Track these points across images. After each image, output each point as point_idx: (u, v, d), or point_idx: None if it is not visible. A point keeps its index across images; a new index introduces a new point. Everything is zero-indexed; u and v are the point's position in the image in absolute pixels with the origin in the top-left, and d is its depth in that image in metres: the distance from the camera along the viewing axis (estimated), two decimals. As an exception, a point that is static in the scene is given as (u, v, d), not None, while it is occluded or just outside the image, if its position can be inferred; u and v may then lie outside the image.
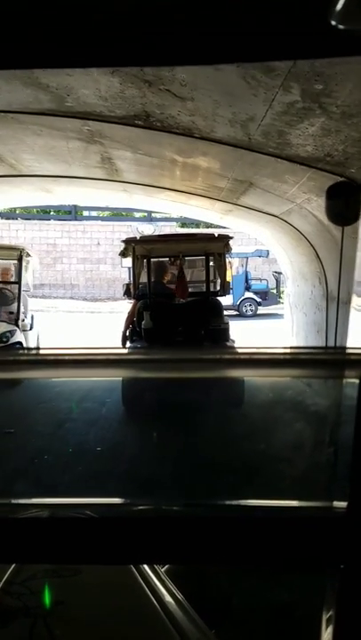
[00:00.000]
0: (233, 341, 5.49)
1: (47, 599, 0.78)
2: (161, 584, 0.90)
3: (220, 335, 5.30)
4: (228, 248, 5.54)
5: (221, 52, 0.64)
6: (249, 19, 0.59)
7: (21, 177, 5.62)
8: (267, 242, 7.94)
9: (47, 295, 16.37)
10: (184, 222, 18.00)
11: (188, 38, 0.61)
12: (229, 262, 14.31)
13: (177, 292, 5.62)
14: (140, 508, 0.73)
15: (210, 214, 7.57)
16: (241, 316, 13.71)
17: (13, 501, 1.00)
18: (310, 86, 2.65)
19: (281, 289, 15.07)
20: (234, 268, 14.23)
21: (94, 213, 18.27)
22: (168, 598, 0.86)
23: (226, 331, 5.39)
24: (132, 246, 5.46)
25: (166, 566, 1.07)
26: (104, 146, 4.31)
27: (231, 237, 5.62)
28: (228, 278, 13.90)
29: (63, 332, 11.30)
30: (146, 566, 0.93)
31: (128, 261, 5.87)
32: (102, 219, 17.84)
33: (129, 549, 0.54)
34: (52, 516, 0.71)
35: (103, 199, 7.84)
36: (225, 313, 5.80)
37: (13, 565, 0.83)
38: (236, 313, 13.68)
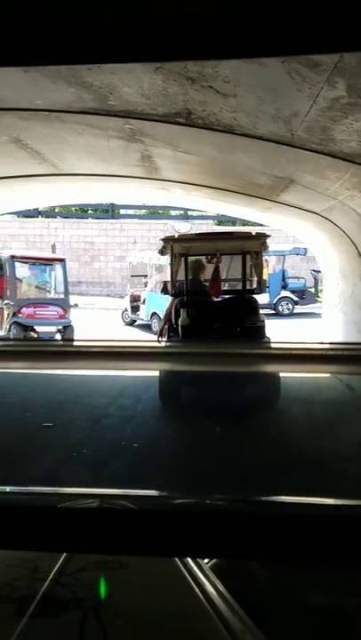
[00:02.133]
0: (268, 339, 5.51)
1: (97, 591, 0.79)
2: (206, 579, 0.91)
3: (256, 333, 5.32)
4: (265, 246, 5.58)
5: (266, 45, 0.62)
6: (294, 10, 0.58)
7: (62, 176, 5.72)
8: (306, 239, 7.82)
9: (84, 292, 16.63)
10: (220, 220, 17.95)
11: (232, 30, 0.60)
12: (266, 260, 14.18)
13: (211, 290, 5.66)
14: (184, 501, 0.72)
15: (248, 212, 7.51)
16: (277, 314, 13.57)
17: (60, 491, 1.02)
18: (356, 81, 2.59)
19: (319, 287, 14.83)
20: (270, 266, 14.08)
21: (131, 212, 18.44)
22: (214, 593, 0.86)
23: (262, 329, 5.41)
24: (170, 244, 5.56)
25: (211, 562, 1.07)
26: (144, 144, 4.34)
27: (269, 235, 5.63)
28: (265, 276, 13.84)
29: (99, 329, 11.48)
30: (190, 560, 0.94)
31: (165, 258, 6.13)
32: (139, 217, 17.98)
33: (174, 542, 0.55)
34: (100, 506, 0.72)
35: (141, 197, 7.89)
36: (261, 311, 5.81)
37: (63, 556, 0.85)
38: (272, 312, 13.53)
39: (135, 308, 12.47)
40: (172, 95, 3.16)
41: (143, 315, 12.31)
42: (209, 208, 8.67)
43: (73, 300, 15.41)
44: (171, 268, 5.79)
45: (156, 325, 11.50)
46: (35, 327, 8.96)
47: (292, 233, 8.19)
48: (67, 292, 9.90)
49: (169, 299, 6.21)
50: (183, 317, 5.29)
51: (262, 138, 3.69)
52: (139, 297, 12.68)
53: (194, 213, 18.04)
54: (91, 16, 0.60)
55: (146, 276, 13.17)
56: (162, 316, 11.62)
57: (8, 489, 0.79)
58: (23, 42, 0.61)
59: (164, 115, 3.55)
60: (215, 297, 5.72)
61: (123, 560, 0.87)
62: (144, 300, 12.39)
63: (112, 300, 16.15)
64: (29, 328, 8.90)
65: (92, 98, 3.31)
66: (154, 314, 11.75)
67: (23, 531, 0.56)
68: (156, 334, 12.07)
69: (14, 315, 8.89)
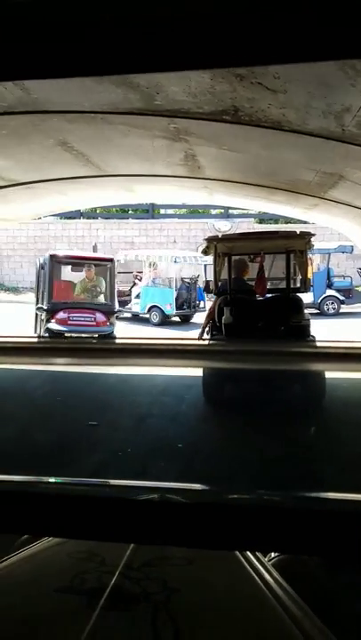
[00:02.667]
0: (313, 338, 5.46)
1: (165, 585, 0.78)
2: (269, 575, 0.90)
3: (301, 332, 5.30)
4: (309, 245, 5.69)
5: (323, 48, 0.60)
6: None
7: (106, 177, 5.75)
8: (354, 237, 7.58)
9: (125, 292, 16.78)
10: (262, 218, 17.72)
11: (290, 34, 0.58)
12: (310, 259, 13.88)
13: (256, 290, 5.71)
14: (230, 496, 0.70)
15: (292, 210, 7.35)
16: (322, 314, 13.26)
17: (109, 483, 1.06)
18: None
19: (366, 286, 14.42)
20: (315, 264, 13.77)
21: (171, 211, 18.46)
22: (278, 590, 0.85)
23: (306, 327, 5.40)
24: (213, 244, 5.66)
25: (273, 559, 1.08)
26: (189, 143, 4.29)
27: (313, 234, 5.75)
28: (309, 275, 13.56)
29: (136, 331, 11.57)
30: (252, 557, 0.93)
31: (206, 259, 6.12)
32: (179, 216, 17.98)
33: (225, 535, 0.55)
34: (161, 499, 0.70)
35: (183, 197, 7.86)
36: (306, 311, 5.81)
37: (129, 551, 0.84)
38: (317, 311, 13.24)
39: (123, 303, 13.23)
40: (219, 93, 3.10)
41: (137, 308, 13.52)
42: (251, 206, 8.55)
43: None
44: (214, 268, 5.88)
45: (155, 317, 13.15)
46: (66, 334, 8.04)
47: (340, 230, 7.95)
48: (112, 296, 8.90)
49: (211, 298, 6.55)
50: (227, 316, 5.30)
51: (312, 134, 3.58)
52: (125, 292, 13.85)
53: (235, 212, 17.88)
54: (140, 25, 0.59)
55: (135, 272, 14.42)
56: (163, 308, 12.50)
57: (55, 479, 0.80)
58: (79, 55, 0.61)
59: (210, 113, 3.49)
60: (260, 296, 5.76)
61: (188, 556, 0.86)
62: (138, 295, 13.62)
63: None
64: (61, 335, 7.99)
65: (138, 98, 3.29)
66: (152, 307, 13.14)
67: (83, 520, 0.56)
68: (154, 325, 12.95)
69: (48, 320, 8.11)
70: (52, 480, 0.75)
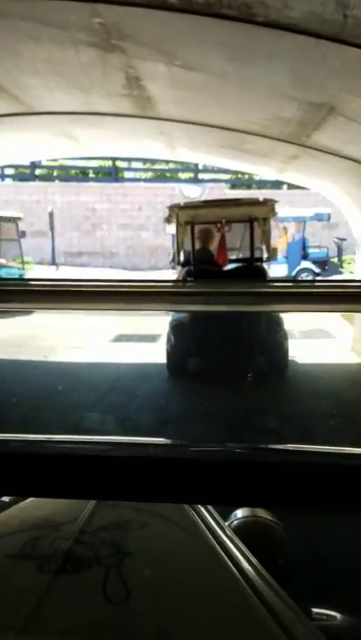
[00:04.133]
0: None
1: (119, 549, 0.79)
2: (226, 537, 0.92)
3: None
4: (273, 213, 5.55)
5: None
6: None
7: (31, 115, 4.49)
8: (337, 200, 6.51)
9: (85, 264, 15.48)
10: (234, 184, 16.52)
11: None
12: (284, 228, 12.85)
13: (218, 259, 5.60)
14: (203, 449, 0.63)
15: (267, 166, 6.22)
16: (296, 287, 12.29)
17: (65, 438, 0.68)
18: None
19: (343, 257, 13.48)
20: (289, 233, 12.74)
21: (136, 175, 17.08)
22: (235, 551, 0.87)
23: None
24: (175, 212, 5.54)
25: (231, 521, 1.13)
26: (127, 54, 3.09)
27: (276, 201, 5.62)
28: (283, 245, 12.52)
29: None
30: (210, 519, 0.95)
31: (172, 228, 5.96)
32: (145, 180, 16.60)
33: (194, 489, 0.56)
34: (113, 454, 0.61)
35: (138, 148, 6.61)
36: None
37: (84, 516, 0.84)
38: (290, 284, 12.28)
39: None
40: None
41: None
42: (219, 163, 7.37)
43: (73, 273, 14.48)
44: (176, 237, 5.84)
45: None
46: None
47: (321, 192, 6.88)
48: None
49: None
50: None
51: (296, 28, 2.44)
52: None
53: (205, 177, 16.62)
54: None
55: None
56: None
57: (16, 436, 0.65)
58: None
59: (146, -10, 2.31)
60: (222, 266, 5.66)
61: (143, 519, 0.88)
62: None
63: (115, 273, 14.99)
64: None
65: None
66: None
67: (38, 478, 0.56)
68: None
69: None
70: (10, 436, 0.63)
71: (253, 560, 0.86)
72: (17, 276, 9.57)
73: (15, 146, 5.56)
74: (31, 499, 0.93)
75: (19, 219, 10.60)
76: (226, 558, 0.83)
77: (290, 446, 0.60)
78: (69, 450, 0.60)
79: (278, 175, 6.75)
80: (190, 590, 0.76)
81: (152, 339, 6.69)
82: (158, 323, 6.32)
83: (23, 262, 10.75)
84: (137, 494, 0.58)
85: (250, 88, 3.37)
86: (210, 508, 1.00)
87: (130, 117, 4.56)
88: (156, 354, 5.72)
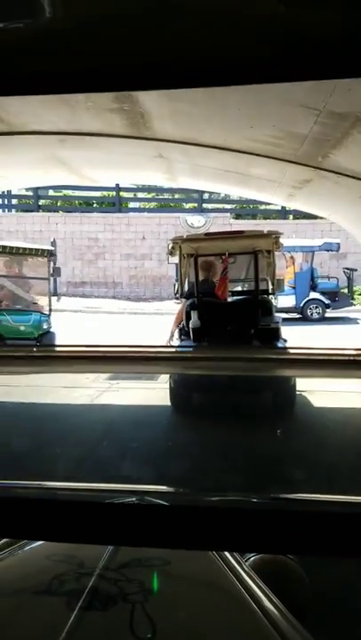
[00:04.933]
0: (285, 341, 5.43)
1: (144, 587, 0.79)
2: (247, 576, 0.93)
3: (270, 335, 5.29)
4: (278, 245, 5.49)
5: None
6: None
7: (16, 135, 4.04)
8: (351, 227, 6.00)
9: (88, 294, 15.03)
10: (239, 213, 16.16)
11: None
12: (291, 257, 12.37)
13: (217, 292, 5.53)
14: (211, 498, 0.65)
15: (275, 193, 5.75)
16: (305, 319, 11.70)
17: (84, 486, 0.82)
18: None
19: (354, 288, 12.93)
20: (297, 264, 12.25)
21: (139, 205, 16.80)
22: (256, 590, 0.87)
23: (276, 330, 5.36)
24: (178, 245, 5.52)
25: (250, 559, 1.12)
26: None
27: (281, 233, 5.58)
28: (290, 276, 12.02)
29: (100, 336, 9.87)
30: (231, 558, 0.96)
31: (175, 259, 5.94)
32: (148, 210, 16.29)
33: (202, 535, 0.56)
34: (139, 502, 0.63)
35: (136, 175, 6.17)
36: (285, 315, 6.31)
37: (107, 553, 0.85)
38: (299, 316, 11.70)
39: None
40: None
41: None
42: (224, 189, 6.92)
43: (76, 303, 13.96)
44: (179, 269, 5.87)
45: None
46: None
47: (333, 220, 6.38)
48: None
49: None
50: (194, 319, 5.26)
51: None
52: None
53: (209, 206, 16.30)
54: None
55: None
56: None
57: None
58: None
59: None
60: (221, 299, 5.59)
61: (165, 557, 0.89)
62: None
63: (118, 303, 14.52)
64: None
65: None
66: None
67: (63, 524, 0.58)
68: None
69: None
70: (29, 483, 0.73)
71: (273, 598, 0.86)
72: (34, 325, 7.35)
73: (8, 173, 5.12)
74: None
75: (51, 254, 7.89)
76: (246, 595, 0.84)
77: (294, 496, 0.64)
78: (89, 497, 0.63)
79: (286, 202, 6.28)
80: (213, 627, 0.77)
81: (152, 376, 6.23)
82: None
83: (51, 307, 7.83)
84: (149, 540, 0.58)
85: (259, 96, 2.87)
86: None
87: (123, 138, 4.10)
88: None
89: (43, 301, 7.80)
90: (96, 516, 0.56)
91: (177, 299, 6.61)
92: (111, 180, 7.24)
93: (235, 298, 5.88)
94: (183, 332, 5.64)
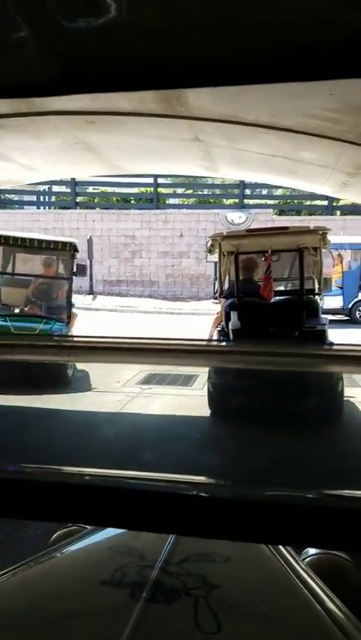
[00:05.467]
0: (331, 344, 5.01)
1: (205, 581, 0.80)
2: (306, 574, 0.93)
3: (316, 337, 5.01)
4: (324, 242, 5.23)
5: None
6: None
7: (36, 116, 3.65)
8: None
9: (124, 293, 14.73)
10: (282, 210, 15.46)
11: None
12: (339, 256, 11.65)
13: (262, 292, 5.27)
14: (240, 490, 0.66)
15: (325, 182, 5.17)
16: (353, 322, 10.96)
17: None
18: None
19: None
20: (345, 262, 11.51)
21: (178, 201, 16.37)
22: (316, 588, 0.87)
23: (322, 333, 5.08)
24: (218, 242, 5.33)
25: (307, 557, 1.15)
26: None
27: (329, 229, 5.31)
28: (338, 275, 11.30)
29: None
30: (288, 555, 0.97)
31: (214, 256, 5.73)
32: (187, 207, 15.83)
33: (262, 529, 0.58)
34: (201, 494, 0.63)
35: (174, 166, 5.71)
36: (331, 317, 5.87)
37: (167, 546, 0.87)
38: (346, 318, 10.97)
39: None
40: None
41: None
42: (268, 179, 6.36)
43: (111, 302, 13.67)
44: (219, 268, 5.67)
45: None
46: None
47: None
48: None
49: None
50: (234, 321, 5.07)
51: None
52: None
53: (251, 202, 15.68)
54: None
55: None
56: None
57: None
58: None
59: None
60: (267, 299, 5.32)
61: (225, 553, 0.91)
62: None
63: (154, 302, 14.14)
64: None
65: None
66: None
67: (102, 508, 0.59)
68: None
69: None
70: (94, 471, 0.66)
71: (334, 597, 0.86)
72: (44, 334, 5.71)
73: (25, 156, 4.75)
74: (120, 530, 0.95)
75: (73, 247, 6.40)
76: (308, 593, 0.84)
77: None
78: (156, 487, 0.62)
79: (338, 192, 5.68)
80: (278, 625, 0.77)
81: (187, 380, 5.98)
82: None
83: (70, 311, 6.45)
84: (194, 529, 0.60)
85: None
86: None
87: (155, 117, 3.64)
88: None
89: (62, 304, 6.47)
90: (167, 507, 0.58)
91: (215, 298, 6.50)
92: (145, 170, 6.71)
93: (278, 298, 5.61)
94: (222, 334, 5.47)
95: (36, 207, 17.00)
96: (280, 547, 0.98)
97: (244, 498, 0.61)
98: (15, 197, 17.05)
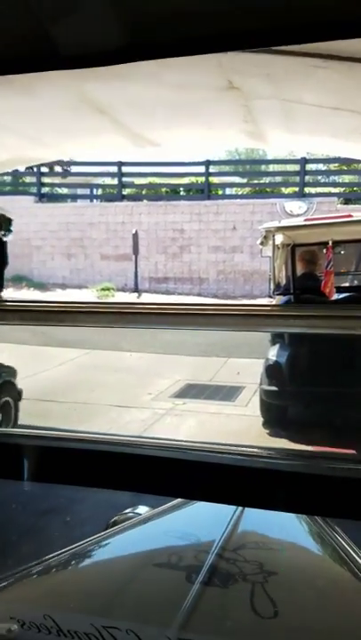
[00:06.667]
0: None
1: (262, 568, 0.81)
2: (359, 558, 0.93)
3: None
4: None
5: None
6: None
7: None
8: None
9: (171, 291, 13.80)
10: (348, 198, 13.93)
11: None
12: None
13: (324, 289, 4.90)
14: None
15: None
16: None
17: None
18: None
19: None
20: None
21: (232, 191, 15.21)
22: None
23: None
24: (272, 234, 5.04)
25: None
26: None
27: None
28: None
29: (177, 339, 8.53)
30: (347, 546, 0.98)
31: (269, 251, 5.35)
32: (241, 197, 14.63)
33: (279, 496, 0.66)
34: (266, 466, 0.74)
35: (209, 133, 4.61)
36: None
37: (222, 533, 0.89)
38: None
39: None
40: None
41: None
42: (330, 147, 5.16)
43: (158, 300, 12.81)
44: (272, 262, 5.32)
45: None
46: None
47: None
48: None
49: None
50: None
51: None
52: None
53: (312, 191, 14.25)
54: None
55: None
56: None
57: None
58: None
59: None
60: (329, 297, 4.96)
61: (280, 542, 0.93)
62: None
63: (204, 301, 13.08)
64: None
65: None
66: None
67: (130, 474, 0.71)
68: None
69: None
70: (161, 442, 0.82)
71: None
72: None
73: (22, 121, 3.82)
74: (171, 513, 1.03)
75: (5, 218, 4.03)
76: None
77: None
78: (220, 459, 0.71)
79: None
80: (338, 610, 0.77)
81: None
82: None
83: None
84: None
85: None
86: (336, 527, 1.02)
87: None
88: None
89: None
90: (226, 478, 0.64)
91: (270, 296, 6.03)
92: (174, 141, 5.64)
93: (340, 295, 5.27)
94: (277, 334, 5.25)
95: (89, 201, 16.46)
96: (339, 537, 0.98)
97: (290, 469, 0.68)
98: (66, 191, 16.59)
